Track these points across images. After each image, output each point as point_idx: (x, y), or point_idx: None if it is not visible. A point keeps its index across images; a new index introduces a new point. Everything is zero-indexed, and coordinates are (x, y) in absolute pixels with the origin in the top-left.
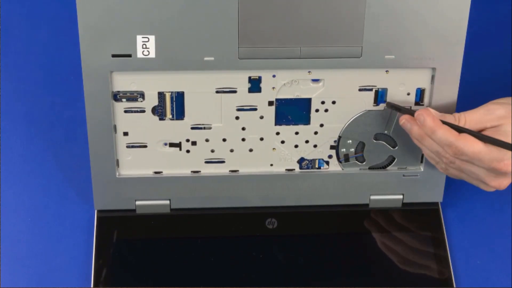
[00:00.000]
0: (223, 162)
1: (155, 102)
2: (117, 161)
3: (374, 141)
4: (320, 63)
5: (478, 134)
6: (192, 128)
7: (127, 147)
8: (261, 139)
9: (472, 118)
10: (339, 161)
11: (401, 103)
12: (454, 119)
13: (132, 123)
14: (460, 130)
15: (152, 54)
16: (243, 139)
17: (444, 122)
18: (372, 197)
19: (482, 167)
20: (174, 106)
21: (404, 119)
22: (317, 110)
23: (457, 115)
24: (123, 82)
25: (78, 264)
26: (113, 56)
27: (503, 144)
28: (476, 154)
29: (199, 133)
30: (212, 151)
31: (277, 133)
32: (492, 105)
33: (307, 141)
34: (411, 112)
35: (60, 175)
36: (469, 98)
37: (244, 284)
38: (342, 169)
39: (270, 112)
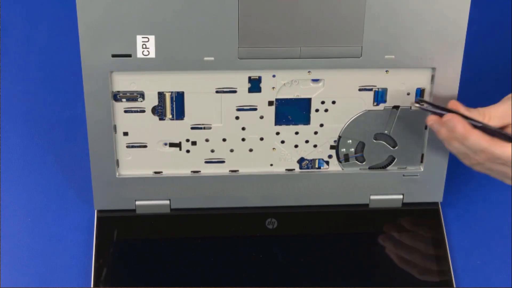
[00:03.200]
0: (223, 162)
1: (155, 102)
2: (117, 161)
3: (374, 141)
4: (320, 63)
5: None
6: (192, 128)
7: (127, 147)
8: (261, 139)
9: (495, 114)
10: (339, 161)
11: (401, 103)
12: (479, 115)
13: (132, 123)
14: (490, 130)
15: (152, 54)
16: (243, 139)
17: (471, 122)
18: (372, 197)
19: None
20: (174, 106)
21: (431, 121)
22: (317, 110)
23: (482, 111)
24: (123, 82)
25: (78, 264)
26: (113, 56)
27: None
28: None
29: (199, 133)
30: (212, 151)
31: (277, 133)
32: None
33: (307, 141)
34: (439, 113)
35: (60, 175)
36: (469, 98)
37: (244, 284)
38: (342, 169)
39: (270, 112)
